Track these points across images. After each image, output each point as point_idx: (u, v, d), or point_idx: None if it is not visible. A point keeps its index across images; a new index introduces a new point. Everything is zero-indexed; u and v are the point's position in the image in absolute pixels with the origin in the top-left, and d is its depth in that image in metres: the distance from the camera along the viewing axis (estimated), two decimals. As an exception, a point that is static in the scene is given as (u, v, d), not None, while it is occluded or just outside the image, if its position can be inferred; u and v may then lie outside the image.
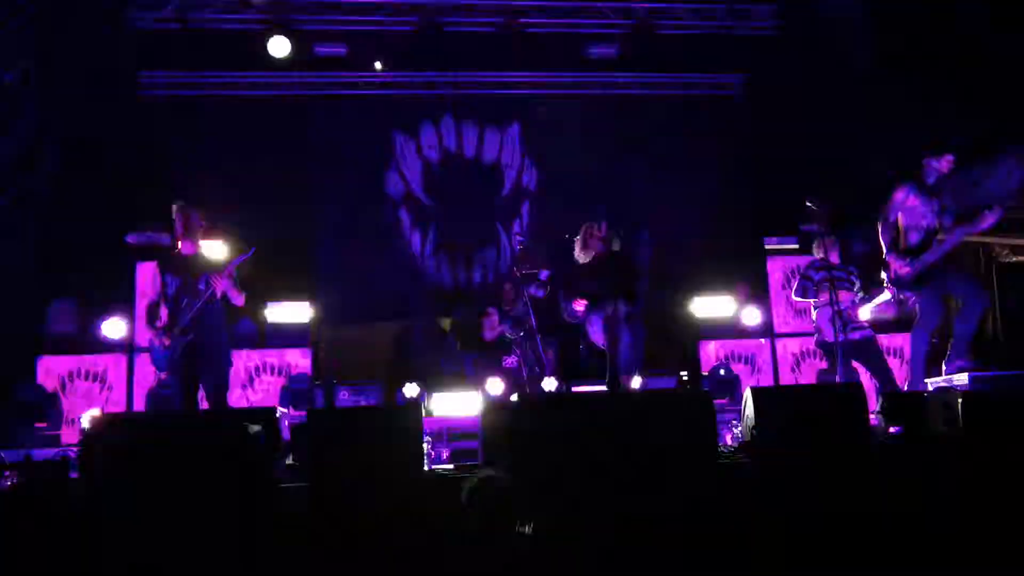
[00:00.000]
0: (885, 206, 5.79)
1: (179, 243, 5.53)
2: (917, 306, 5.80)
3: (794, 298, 6.82)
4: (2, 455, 4.19)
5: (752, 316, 8.86)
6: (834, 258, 6.42)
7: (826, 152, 9.04)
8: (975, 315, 5.59)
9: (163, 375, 7.39)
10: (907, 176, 5.81)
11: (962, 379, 5.18)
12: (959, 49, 7.60)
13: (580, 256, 6.15)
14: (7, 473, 4.10)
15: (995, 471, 3.98)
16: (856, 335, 6.29)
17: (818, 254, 6.56)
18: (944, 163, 5.72)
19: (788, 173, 9.16)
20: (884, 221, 5.79)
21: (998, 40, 7.27)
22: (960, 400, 4.30)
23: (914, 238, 5.72)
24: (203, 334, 5.34)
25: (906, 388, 6.02)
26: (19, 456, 4.38)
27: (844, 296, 6.19)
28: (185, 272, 5.40)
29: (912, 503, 3.88)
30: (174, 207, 5.54)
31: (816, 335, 6.58)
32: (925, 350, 5.73)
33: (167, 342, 5.28)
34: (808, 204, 6.33)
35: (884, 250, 5.80)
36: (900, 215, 5.77)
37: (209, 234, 5.70)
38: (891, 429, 4.56)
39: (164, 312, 5.40)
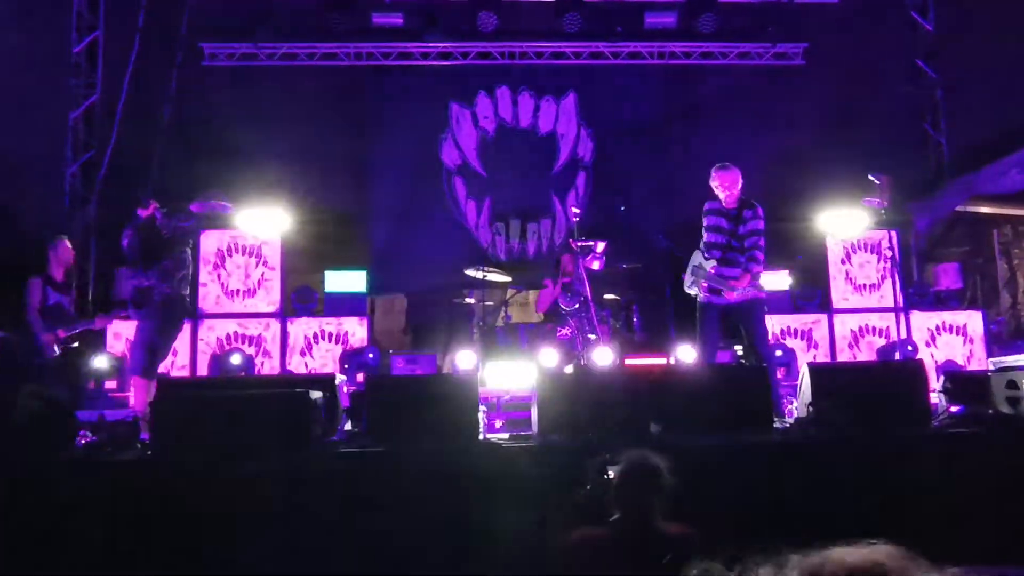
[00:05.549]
0: None
1: None
2: None
3: None
4: (76, 415, 4.36)
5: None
6: None
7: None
8: None
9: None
10: None
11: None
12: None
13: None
14: (83, 432, 4.30)
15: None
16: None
17: None
18: None
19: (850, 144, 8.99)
20: None
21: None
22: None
23: None
24: None
25: None
26: (93, 416, 4.56)
27: None
28: None
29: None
30: None
31: None
32: None
33: None
34: (871, 177, 6.23)
35: None
36: None
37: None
38: (952, 408, 4.49)
39: None
